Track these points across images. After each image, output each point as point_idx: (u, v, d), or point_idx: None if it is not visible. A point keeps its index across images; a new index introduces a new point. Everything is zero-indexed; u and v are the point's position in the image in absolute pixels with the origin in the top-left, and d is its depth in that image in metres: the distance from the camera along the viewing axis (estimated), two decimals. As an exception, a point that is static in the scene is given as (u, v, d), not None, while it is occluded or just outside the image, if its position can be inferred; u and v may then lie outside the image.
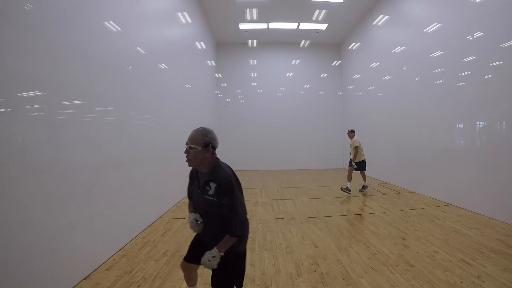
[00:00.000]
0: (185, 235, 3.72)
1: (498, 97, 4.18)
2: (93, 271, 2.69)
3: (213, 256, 1.54)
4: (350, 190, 6.01)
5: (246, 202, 1.72)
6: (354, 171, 6.15)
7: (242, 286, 1.75)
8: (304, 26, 9.72)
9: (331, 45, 11.73)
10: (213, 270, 1.62)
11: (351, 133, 6.39)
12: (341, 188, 6.18)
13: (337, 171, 10.09)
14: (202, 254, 1.59)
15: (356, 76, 10.24)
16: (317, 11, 8.52)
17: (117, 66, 3.37)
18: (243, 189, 1.71)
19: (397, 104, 7.25)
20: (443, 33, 5.39)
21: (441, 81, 5.50)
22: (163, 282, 2.52)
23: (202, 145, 1.58)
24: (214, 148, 1.64)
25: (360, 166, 6.19)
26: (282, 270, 2.73)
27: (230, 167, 1.72)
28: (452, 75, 5.14)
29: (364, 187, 6.28)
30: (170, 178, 5.23)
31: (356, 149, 6.09)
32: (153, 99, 4.53)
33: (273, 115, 11.43)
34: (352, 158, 6.26)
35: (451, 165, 5.17)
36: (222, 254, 1.55)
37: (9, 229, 1.84)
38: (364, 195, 6.05)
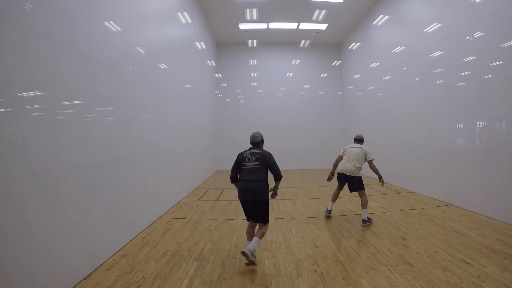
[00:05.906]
0: (185, 235, 3.72)
1: (498, 97, 4.18)
2: (93, 271, 2.69)
3: None
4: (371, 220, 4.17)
5: None
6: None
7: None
8: (304, 26, 9.72)
9: (331, 45, 11.73)
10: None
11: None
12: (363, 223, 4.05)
13: (337, 171, 10.07)
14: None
15: (356, 76, 10.24)
16: (317, 11, 8.53)
17: (117, 66, 3.37)
18: None
19: (397, 104, 7.25)
20: (443, 33, 5.39)
21: (441, 81, 5.50)
22: (163, 282, 2.52)
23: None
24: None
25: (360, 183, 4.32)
26: (282, 270, 2.73)
27: (244, 151, 3.22)
28: (452, 75, 5.14)
29: (367, 220, 4.04)
30: (170, 178, 5.23)
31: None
32: (153, 99, 4.53)
33: (273, 115, 11.43)
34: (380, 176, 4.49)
35: (451, 165, 5.18)
36: None
37: (9, 229, 1.84)
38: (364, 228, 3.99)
